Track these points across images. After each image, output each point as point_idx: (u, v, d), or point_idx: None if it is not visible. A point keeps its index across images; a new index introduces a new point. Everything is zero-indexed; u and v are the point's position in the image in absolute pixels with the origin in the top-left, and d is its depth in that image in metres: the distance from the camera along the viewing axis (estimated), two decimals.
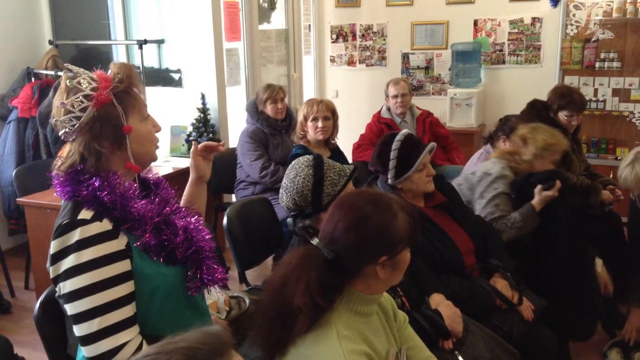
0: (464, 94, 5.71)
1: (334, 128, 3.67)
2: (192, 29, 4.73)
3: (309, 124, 3.57)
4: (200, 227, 1.65)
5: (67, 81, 1.50)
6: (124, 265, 1.49)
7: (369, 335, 1.48)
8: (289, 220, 2.14)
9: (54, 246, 1.48)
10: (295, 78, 6.00)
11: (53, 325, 2.17)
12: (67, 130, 1.52)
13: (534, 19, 5.71)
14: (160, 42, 4.94)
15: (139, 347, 1.49)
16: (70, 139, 1.54)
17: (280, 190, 2.17)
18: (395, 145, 2.44)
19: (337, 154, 3.69)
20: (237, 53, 5.13)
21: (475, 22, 5.93)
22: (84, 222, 1.47)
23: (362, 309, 1.50)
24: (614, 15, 5.15)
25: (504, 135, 3.39)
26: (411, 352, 1.60)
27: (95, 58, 5.14)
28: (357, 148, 4.57)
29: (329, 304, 1.45)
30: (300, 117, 3.63)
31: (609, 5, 5.17)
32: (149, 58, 4.96)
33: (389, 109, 4.61)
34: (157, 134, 1.68)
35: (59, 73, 4.56)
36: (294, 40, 6.00)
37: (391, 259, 1.49)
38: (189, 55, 4.81)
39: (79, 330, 1.48)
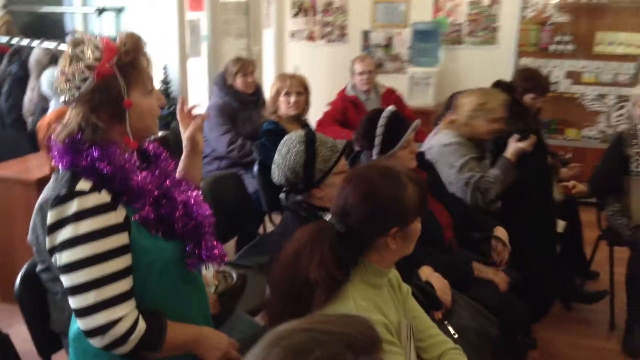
0: (423, 73, 5.79)
1: (306, 103, 3.67)
2: None
3: (281, 98, 3.55)
4: (201, 202, 1.63)
5: (71, 48, 1.46)
6: (122, 238, 1.46)
7: (382, 306, 1.52)
8: (281, 195, 2.15)
9: (50, 216, 1.44)
10: (255, 52, 5.93)
11: (34, 301, 2.13)
12: (66, 98, 1.48)
13: (492, 0, 5.82)
14: (119, 10, 4.78)
15: (135, 322, 1.47)
16: (70, 107, 1.50)
17: (272, 166, 2.17)
18: (381, 121, 2.47)
19: None
20: (198, 24, 5.02)
21: (436, 1, 5.99)
22: (82, 193, 1.43)
23: (375, 280, 1.53)
24: None
25: (449, 111, 3.49)
26: (415, 322, 1.65)
27: (50, 26, 4.94)
28: (319, 125, 4.55)
29: (345, 276, 1.48)
30: (272, 92, 3.61)
31: None
32: (107, 27, 4.79)
33: (354, 86, 4.63)
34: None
35: (13, 41, 4.37)
36: (254, 13, 5.92)
37: (402, 229, 1.53)
38: (150, 25, 4.67)
39: (74, 302, 1.45)
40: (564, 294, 3.52)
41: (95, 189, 1.44)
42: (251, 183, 3.79)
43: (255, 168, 3.53)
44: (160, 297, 1.57)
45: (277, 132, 3.51)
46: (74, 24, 4.97)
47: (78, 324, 1.49)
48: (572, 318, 3.51)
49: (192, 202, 1.59)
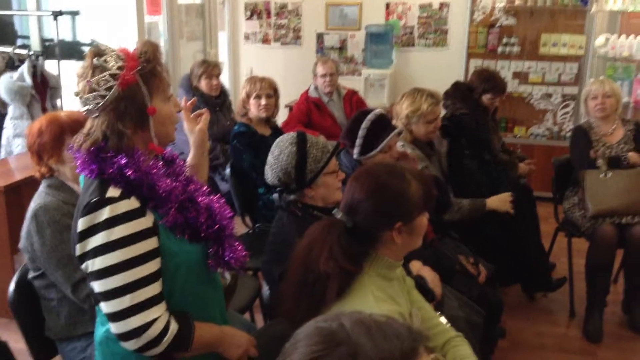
0: (378, 75, 5.92)
1: (276, 106, 3.71)
2: (112, 0, 4.54)
3: (252, 101, 3.58)
4: (223, 205, 1.67)
5: (95, 59, 1.47)
6: (152, 243, 1.50)
7: (395, 297, 1.59)
8: (275, 195, 2.19)
9: (81, 224, 1.46)
10: (212, 54, 5.92)
11: (28, 307, 2.11)
12: (90, 107, 1.49)
13: (441, 4, 6.02)
14: (75, 13, 4.69)
15: (168, 323, 1.51)
16: (93, 116, 1.52)
17: (266, 167, 2.21)
18: (365, 123, 2.55)
19: (278, 132, 3.73)
20: (157, 27, 4.98)
21: (387, 5, 6.14)
22: (113, 199, 1.46)
23: (388, 273, 1.61)
24: (517, 2, 5.55)
25: None
26: (420, 312, 1.74)
27: (0, 30, 4.79)
28: (285, 127, 4.61)
29: (356, 267, 1.55)
30: (242, 95, 3.63)
31: None
32: (63, 31, 4.69)
33: (316, 88, 4.70)
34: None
35: None
36: (209, 15, 5.91)
37: (406, 224, 1.60)
38: (108, 29, 4.61)
39: (108, 307, 1.47)
40: (527, 283, 3.70)
41: (125, 195, 1.47)
42: (220, 185, 3.80)
43: (227, 170, 3.55)
44: (186, 298, 1.61)
45: (248, 135, 3.54)
46: (29, 27, 4.84)
47: (108, 328, 1.52)
48: (534, 308, 3.69)
49: (215, 205, 1.63)
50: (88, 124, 1.54)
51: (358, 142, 2.57)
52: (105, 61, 1.47)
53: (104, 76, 1.46)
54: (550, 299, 3.73)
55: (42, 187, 2.12)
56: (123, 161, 1.48)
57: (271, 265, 2.13)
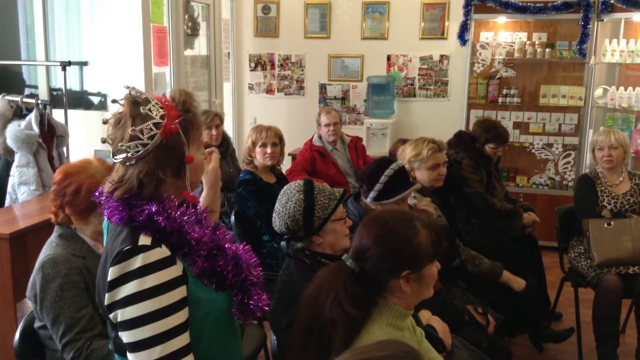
0: (380, 124, 6.00)
1: (281, 154, 3.75)
2: (120, 52, 4.63)
3: (258, 149, 3.62)
4: (248, 252, 1.65)
5: (140, 107, 1.48)
6: (182, 292, 1.47)
7: None
8: (283, 243, 2.19)
9: (112, 273, 1.43)
10: (217, 104, 6.00)
11: (33, 357, 2.08)
12: (128, 155, 1.49)
13: (441, 56, 6.14)
14: (83, 64, 4.78)
15: None
16: (128, 164, 1.50)
17: (273, 215, 2.22)
18: (388, 172, 2.58)
19: (283, 180, 3.75)
20: (164, 77, 5.07)
21: (389, 57, 6.27)
22: (146, 248, 1.44)
23: (399, 323, 1.59)
24: (516, 55, 5.66)
25: None
26: None
27: (9, 79, 4.88)
28: (289, 174, 4.64)
29: (362, 314, 1.53)
30: (248, 143, 3.68)
31: (511, 46, 5.69)
32: (71, 81, 4.78)
33: (320, 137, 4.75)
34: None
35: None
36: (215, 66, 6.02)
37: (414, 273, 1.59)
38: (115, 79, 4.68)
39: (137, 358, 1.43)
40: (534, 334, 3.65)
41: (156, 243, 1.45)
42: None
43: (232, 218, 3.55)
44: (211, 348, 1.58)
45: (253, 182, 3.57)
46: (36, 76, 4.93)
47: None
48: (543, 358, 3.63)
49: (241, 252, 1.61)
50: (120, 172, 1.52)
51: (378, 187, 2.59)
52: (150, 110, 1.48)
53: (148, 125, 1.46)
54: (558, 350, 3.67)
55: (53, 237, 2.11)
56: (154, 208, 1.47)
57: (279, 314, 2.11)
